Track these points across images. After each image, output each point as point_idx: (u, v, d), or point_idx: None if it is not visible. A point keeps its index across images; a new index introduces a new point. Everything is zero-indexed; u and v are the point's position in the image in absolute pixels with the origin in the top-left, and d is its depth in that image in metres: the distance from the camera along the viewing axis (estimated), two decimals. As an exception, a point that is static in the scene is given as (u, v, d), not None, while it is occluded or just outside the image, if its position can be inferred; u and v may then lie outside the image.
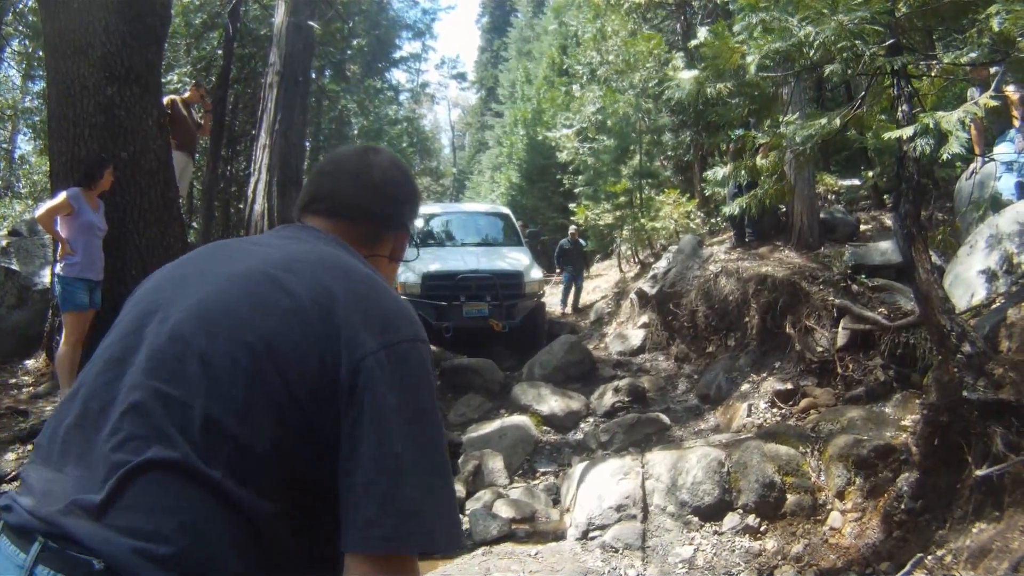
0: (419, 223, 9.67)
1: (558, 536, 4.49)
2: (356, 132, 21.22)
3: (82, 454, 0.95)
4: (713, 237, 10.66)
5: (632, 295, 10.18)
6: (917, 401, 4.62)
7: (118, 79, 5.40)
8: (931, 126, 3.40)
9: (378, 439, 0.92)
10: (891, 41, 3.89)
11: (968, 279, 5.01)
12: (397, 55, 25.70)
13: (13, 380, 5.94)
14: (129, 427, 0.92)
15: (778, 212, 8.36)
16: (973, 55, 4.01)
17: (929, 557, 3.40)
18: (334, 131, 20.20)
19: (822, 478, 4.41)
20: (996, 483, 3.32)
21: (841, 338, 5.64)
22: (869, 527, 3.97)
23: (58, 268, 4.89)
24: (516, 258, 9.55)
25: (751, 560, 3.95)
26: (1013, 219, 4.95)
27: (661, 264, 9.29)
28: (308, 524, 0.94)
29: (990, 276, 4.83)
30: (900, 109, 3.91)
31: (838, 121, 4.25)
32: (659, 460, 4.60)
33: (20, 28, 14.06)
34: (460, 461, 5.51)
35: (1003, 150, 5.90)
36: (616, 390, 6.82)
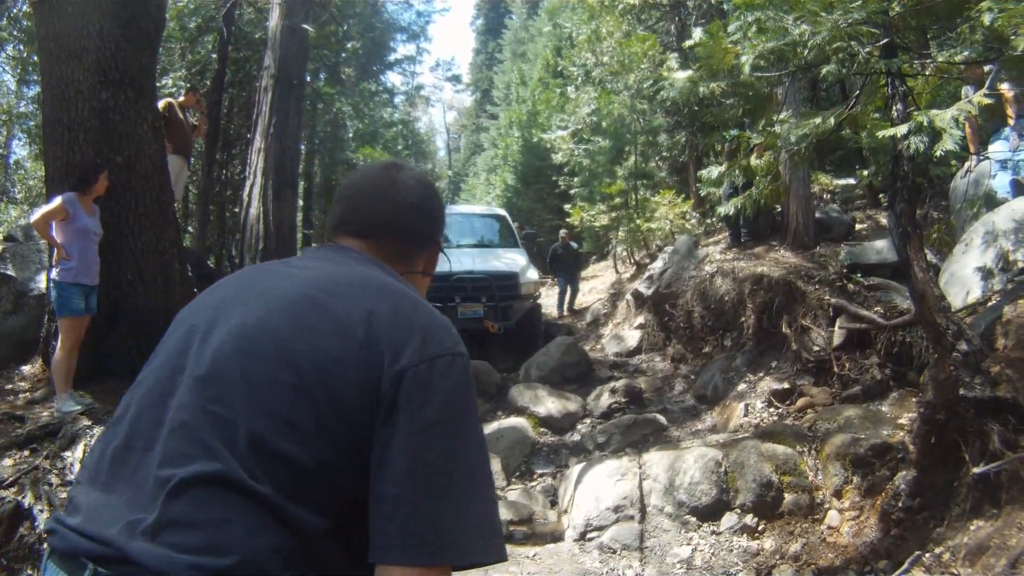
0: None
1: (556, 537, 4.49)
2: (351, 135, 21.12)
3: (132, 475, 0.97)
4: (709, 237, 10.67)
5: (628, 296, 10.18)
6: (914, 399, 4.63)
7: (113, 83, 5.37)
8: (925, 124, 3.41)
9: (414, 451, 0.92)
10: (885, 40, 3.90)
11: (964, 277, 5.03)
12: (392, 58, 25.59)
13: (9, 386, 5.90)
14: (176, 444, 0.94)
15: (773, 212, 8.36)
16: (967, 53, 4.02)
17: (927, 555, 3.41)
18: (329, 134, 20.08)
19: (819, 477, 4.41)
20: (993, 480, 3.33)
21: (837, 337, 5.65)
22: (867, 525, 3.97)
23: (54, 273, 4.86)
24: (512, 259, 9.53)
25: (749, 560, 3.96)
26: (1008, 217, 4.97)
27: (657, 265, 9.30)
28: (355, 539, 0.94)
29: (986, 274, 4.85)
30: (894, 108, 3.92)
31: (832, 120, 4.25)
32: (656, 461, 4.61)
33: (14, 32, 14.01)
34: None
35: (998, 148, 5.92)
36: (613, 391, 6.82)
